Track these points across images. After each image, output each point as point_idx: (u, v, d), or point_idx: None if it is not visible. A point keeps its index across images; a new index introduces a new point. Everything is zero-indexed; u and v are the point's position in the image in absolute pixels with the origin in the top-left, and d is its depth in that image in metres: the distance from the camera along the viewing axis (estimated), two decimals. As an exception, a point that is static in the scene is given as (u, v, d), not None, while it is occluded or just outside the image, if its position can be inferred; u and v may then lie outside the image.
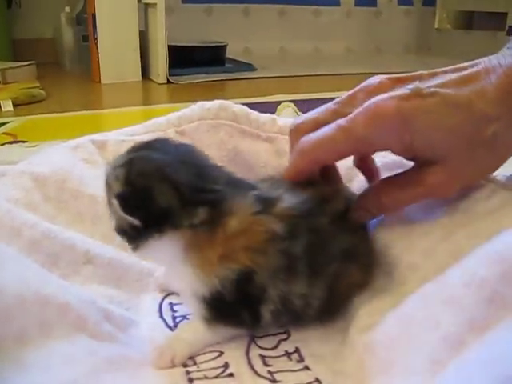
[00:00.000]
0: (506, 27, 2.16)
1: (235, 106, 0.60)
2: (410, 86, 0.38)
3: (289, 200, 0.40)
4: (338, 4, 2.49)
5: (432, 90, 0.38)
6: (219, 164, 0.42)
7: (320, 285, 0.40)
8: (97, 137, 0.58)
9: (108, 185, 0.38)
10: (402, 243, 0.42)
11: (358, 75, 1.89)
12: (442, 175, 0.39)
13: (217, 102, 0.60)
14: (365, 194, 0.44)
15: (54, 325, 0.36)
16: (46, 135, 1.06)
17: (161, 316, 0.45)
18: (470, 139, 0.37)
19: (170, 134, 0.59)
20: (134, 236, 0.38)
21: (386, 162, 0.54)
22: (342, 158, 0.42)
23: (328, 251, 0.40)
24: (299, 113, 1.17)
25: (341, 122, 0.40)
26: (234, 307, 0.38)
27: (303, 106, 1.29)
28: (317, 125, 0.42)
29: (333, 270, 0.41)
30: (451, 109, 0.37)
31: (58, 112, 1.29)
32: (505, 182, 0.44)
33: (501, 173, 0.46)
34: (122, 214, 0.36)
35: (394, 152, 0.41)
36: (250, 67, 1.92)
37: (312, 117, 0.44)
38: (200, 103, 0.60)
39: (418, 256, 0.40)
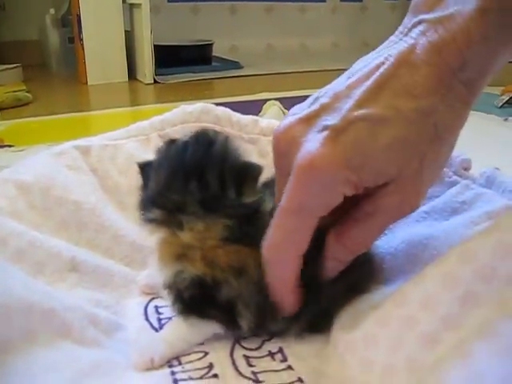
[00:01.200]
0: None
1: (217, 109, 0.60)
2: (322, 124, 0.34)
3: None
4: (323, 0, 2.49)
5: (351, 116, 0.33)
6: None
7: (298, 323, 0.41)
8: (80, 142, 0.58)
9: None
10: (385, 247, 0.43)
11: (345, 71, 1.89)
12: (397, 194, 0.35)
13: (199, 105, 0.60)
14: (328, 244, 0.38)
15: (39, 332, 0.36)
16: (33, 139, 1.06)
17: (146, 319, 0.45)
18: (414, 145, 0.34)
19: (153, 138, 0.60)
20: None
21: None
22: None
23: (310, 299, 0.40)
24: (285, 110, 1.18)
25: (283, 206, 0.35)
26: (200, 304, 0.39)
27: (290, 103, 1.30)
28: None
29: (311, 314, 0.40)
30: (381, 126, 0.33)
31: (44, 115, 1.29)
32: (477, 177, 0.45)
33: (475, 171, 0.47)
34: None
35: (349, 193, 0.35)
36: (236, 65, 1.92)
37: None
38: (182, 107, 0.61)
39: (402, 259, 0.41)
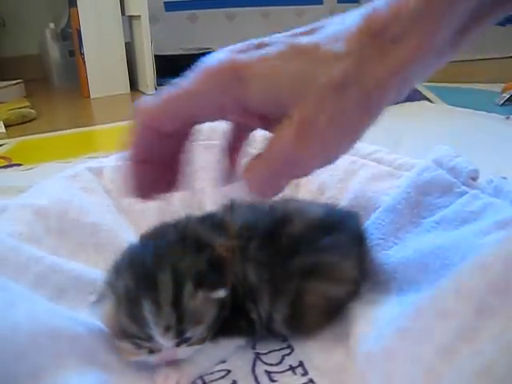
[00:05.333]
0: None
1: (225, 126, 0.61)
2: (255, 41, 0.34)
3: (238, 220, 0.44)
4: (321, 3, 2.50)
5: (276, 39, 0.34)
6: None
7: (281, 301, 0.43)
8: (93, 164, 0.60)
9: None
10: (397, 256, 0.44)
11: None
12: (291, 129, 0.32)
13: (207, 124, 0.61)
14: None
15: (67, 357, 0.37)
16: (41, 157, 1.07)
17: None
18: (314, 83, 0.31)
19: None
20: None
21: (374, 172, 0.57)
22: (186, 120, 0.37)
23: (284, 269, 0.43)
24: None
25: (182, 81, 0.35)
26: (233, 318, 0.41)
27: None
28: None
29: (292, 286, 0.43)
30: (293, 55, 0.32)
31: (49, 131, 1.30)
32: (485, 186, 0.46)
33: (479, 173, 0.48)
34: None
35: (235, 112, 0.35)
36: (237, 72, 1.93)
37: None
38: (191, 125, 0.62)
39: (414, 269, 0.42)
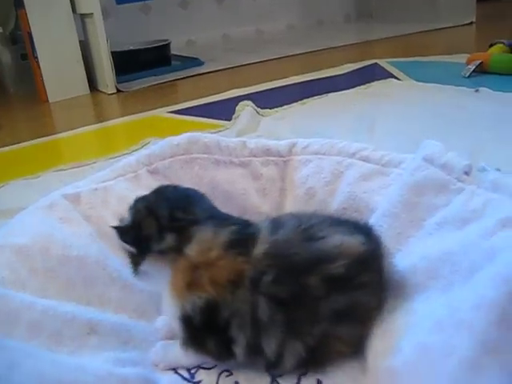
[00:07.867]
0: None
1: (205, 137, 0.59)
2: None
3: (266, 244, 0.41)
4: (275, -14, 2.46)
5: None
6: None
7: (297, 344, 0.40)
8: (68, 190, 0.56)
9: None
10: (403, 264, 0.43)
11: (303, 55, 1.90)
12: None
13: (185, 136, 0.59)
14: None
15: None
16: (6, 173, 1.02)
17: (176, 372, 0.44)
18: None
19: (143, 175, 0.58)
20: (133, 262, 0.44)
21: (362, 171, 0.55)
22: None
23: (311, 312, 0.40)
24: (258, 109, 1.17)
25: None
26: (202, 334, 0.41)
27: (259, 98, 1.29)
28: None
29: (317, 331, 0.40)
30: None
31: (11, 144, 1.24)
32: (480, 180, 0.45)
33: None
34: (121, 242, 0.44)
35: None
36: (197, 62, 1.89)
37: None
38: (168, 139, 0.59)
39: (422, 276, 0.41)
